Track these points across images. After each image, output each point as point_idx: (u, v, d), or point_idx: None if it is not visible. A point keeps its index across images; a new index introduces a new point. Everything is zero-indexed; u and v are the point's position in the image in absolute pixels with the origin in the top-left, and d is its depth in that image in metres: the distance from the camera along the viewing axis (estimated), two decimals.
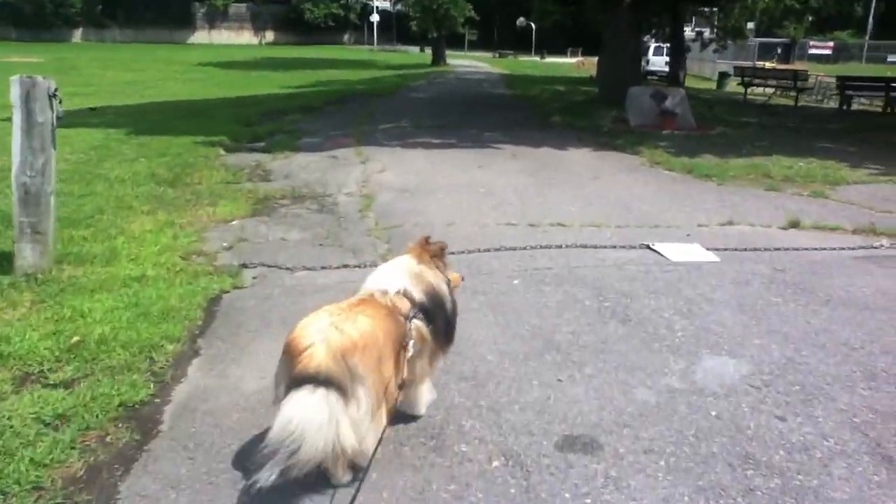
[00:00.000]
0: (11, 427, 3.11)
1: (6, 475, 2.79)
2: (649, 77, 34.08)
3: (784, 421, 3.33)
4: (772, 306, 4.79)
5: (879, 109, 20.40)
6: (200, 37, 76.80)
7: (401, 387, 2.78)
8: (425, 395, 3.22)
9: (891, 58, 56.13)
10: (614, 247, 6.26)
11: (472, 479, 2.86)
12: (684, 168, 10.51)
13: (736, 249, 6.29)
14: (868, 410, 3.44)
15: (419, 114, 17.66)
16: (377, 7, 71.55)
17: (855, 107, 21.05)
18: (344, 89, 25.10)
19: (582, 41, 58.29)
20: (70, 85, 24.33)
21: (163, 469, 2.92)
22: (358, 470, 2.70)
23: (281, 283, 5.23)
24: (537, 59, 60.96)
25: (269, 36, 79.66)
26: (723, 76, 31.45)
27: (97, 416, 3.23)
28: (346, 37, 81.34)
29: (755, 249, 6.32)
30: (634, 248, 6.27)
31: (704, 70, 39.41)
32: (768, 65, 36.16)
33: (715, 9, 34.19)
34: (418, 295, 2.94)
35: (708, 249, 6.26)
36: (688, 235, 6.82)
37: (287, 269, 5.59)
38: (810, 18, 55.84)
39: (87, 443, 3.06)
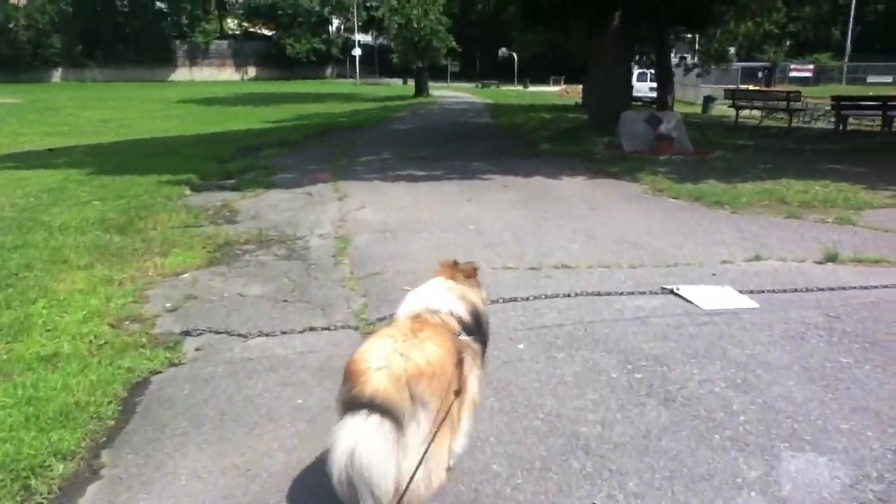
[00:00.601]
0: None
1: None
2: (634, 103, 33.53)
3: None
4: (844, 370, 3.83)
5: (875, 128, 19.79)
6: (181, 74, 76.25)
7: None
8: (468, 423, 2.85)
9: (871, 78, 56.35)
10: (632, 293, 5.30)
11: None
12: (691, 195, 9.63)
13: (773, 291, 5.34)
14: None
15: (402, 145, 16.79)
16: (359, 41, 71.36)
17: (849, 127, 20.39)
18: (325, 122, 24.24)
19: (564, 69, 58.09)
20: (45, 125, 23.46)
21: None
22: None
23: (229, 357, 4.21)
24: (520, 87, 60.58)
25: (252, 72, 79.30)
26: (708, 100, 30.94)
27: None
28: (328, 71, 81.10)
29: (795, 290, 5.37)
30: (656, 293, 5.31)
31: (688, 95, 38.99)
32: (751, 87, 35.69)
33: (696, 35, 33.99)
34: (465, 315, 2.84)
35: (741, 293, 5.31)
36: (713, 275, 5.88)
37: (239, 335, 4.58)
38: (788, 43, 56.24)
39: None
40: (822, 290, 5.39)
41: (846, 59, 61.06)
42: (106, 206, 9.10)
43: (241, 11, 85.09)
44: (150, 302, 5.33)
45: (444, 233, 7.55)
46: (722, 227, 7.79)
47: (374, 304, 5.18)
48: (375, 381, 2.27)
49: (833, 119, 23.10)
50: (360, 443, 2.17)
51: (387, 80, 68.52)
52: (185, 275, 6.10)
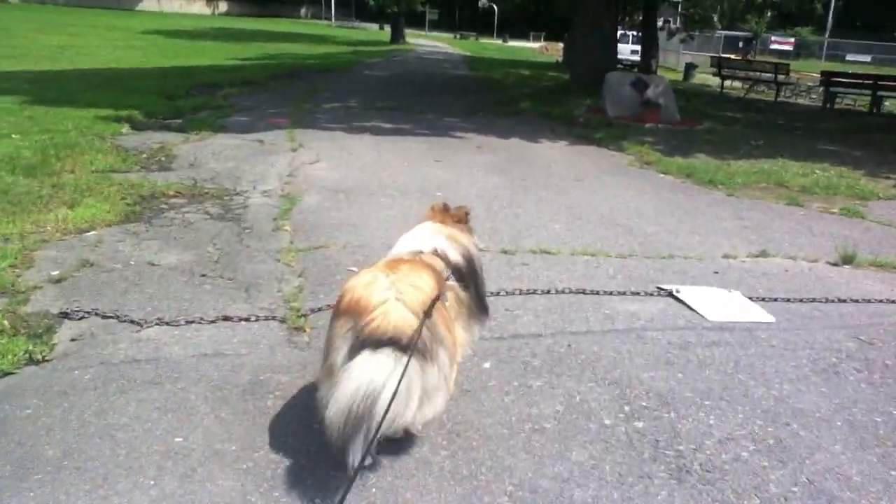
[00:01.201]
0: None
1: None
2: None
3: None
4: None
5: (862, 108, 19.13)
6: (149, 4, 72.11)
7: None
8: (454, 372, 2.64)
9: (850, 56, 55.90)
10: (624, 293, 4.41)
11: None
12: (681, 171, 8.75)
13: (789, 300, 4.51)
14: None
15: (372, 93, 15.59)
16: None
17: (836, 105, 19.66)
18: (294, 63, 22.77)
19: (545, 25, 56.59)
20: None
21: None
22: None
23: (108, 355, 3.23)
24: (499, 42, 58.87)
25: (223, 6, 75.59)
26: (690, 67, 29.99)
27: None
28: (303, 10, 78.02)
29: (813, 300, 4.55)
30: (652, 295, 4.43)
31: (669, 60, 38.00)
32: (734, 57, 34.76)
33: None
34: (453, 256, 2.71)
35: (752, 299, 4.47)
36: (716, 273, 5.03)
37: (132, 322, 3.59)
38: (769, 13, 55.43)
39: None
40: (844, 301, 4.56)
41: (827, 34, 60.46)
42: (25, 142, 7.93)
43: None
44: (34, 267, 4.30)
45: (406, 199, 6.57)
46: (720, 211, 6.93)
47: (310, 287, 4.22)
48: (397, 316, 2.14)
49: (815, 96, 22.52)
50: (387, 386, 2.05)
51: (363, 25, 66.18)
52: (91, 233, 5.06)
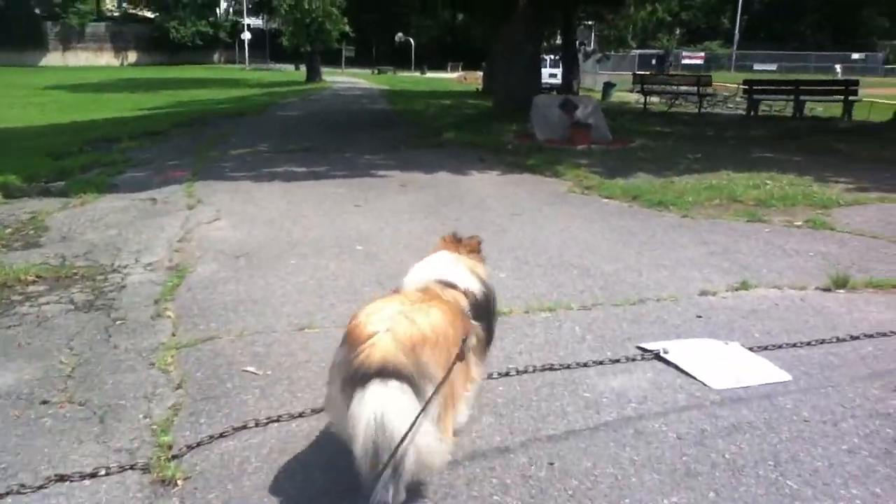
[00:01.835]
0: None
1: None
2: None
3: None
4: None
5: (784, 114, 19.19)
6: (54, 59, 69.01)
7: None
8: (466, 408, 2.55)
9: (757, 65, 58.04)
10: (601, 362, 3.49)
11: None
12: (626, 194, 8.02)
13: (795, 346, 3.69)
14: None
15: (284, 135, 14.53)
16: (248, 25, 67.29)
17: (761, 112, 19.66)
18: (203, 109, 21.46)
19: (462, 55, 56.65)
20: None
21: None
22: None
23: None
24: (418, 74, 58.56)
25: (132, 57, 72.96)
26: (608, 86, 30.09)
27: None
28: (216, 56, 76.07)
29: (822, 342, 3.74)
30: (635, 359, 3.53)
31: (586, 81, 38.28)
32: (649, 74, 35.25)
33: (594, 22, 33.28)
34: (475, 291, 2.65)
35: (753, 350, 3.62)
36: (699, 317, 4.19)
37: None
38: (679, 31, 57.18)
39: None
40: (857, 338, 3.78)
41: (735, 47, 62.66)
42: None
43: None
44: None
45: (320, 258, 5.55)
46: (679, 237, 6.16)
47: (190, 405, 3.14)
48: (383, 347, 2.13)
49: (732, 105, 22.67)
50: (386, 408, 2.03)
51: (278, 66, 64.98)
52: None
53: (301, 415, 3.05)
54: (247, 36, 65.30)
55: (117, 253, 5.76)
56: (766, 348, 3.66)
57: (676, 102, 22.43)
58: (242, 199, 7.88)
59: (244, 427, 2.92)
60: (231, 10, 79.60)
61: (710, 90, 21.08)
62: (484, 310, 2.66)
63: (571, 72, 25.83)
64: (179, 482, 2.53)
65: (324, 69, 46.79)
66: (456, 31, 46.18)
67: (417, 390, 2.13)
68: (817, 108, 19.69)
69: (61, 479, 2.55)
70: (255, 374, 3.47)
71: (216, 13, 77.41)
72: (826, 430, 2.81)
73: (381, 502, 2.03)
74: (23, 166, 10.07)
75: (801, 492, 2.40)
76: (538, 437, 2.78)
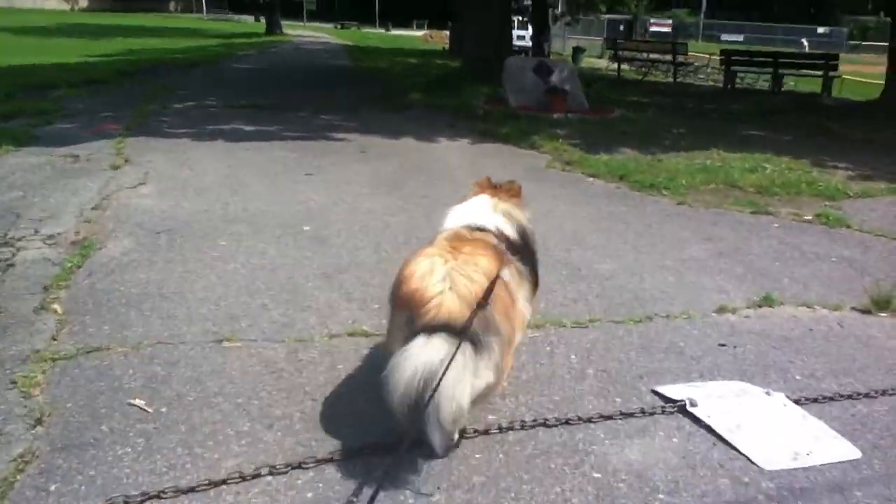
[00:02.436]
0: None
1: None
2: None
3: None
4: None
5: (761, 87, 18.51)
6: None
7: None
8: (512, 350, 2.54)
9: (724, 36, 57.54)
10: (610, 417, 2.63)
11: None
12: (612, 173, 7.17)
13: (851, 397, 2.89)
14: None
15: (236, 89, 13.30)
16: None
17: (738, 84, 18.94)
18: (154, 58, 19.81)
19: (428, 13, 54.91)
20: None
21: None
22: None
23: None
24: (382, 31, 56.60)
25: (83, 2, 69.10)
26: (577, 51, 29.12)
27: None
28: (172, 4, 72.60)
29: (885, 393, 2.95)
30: (653, 414, 2.68)
31: (555, 45, 37.24)
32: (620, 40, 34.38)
33: None
34: (511, 233, 2.68)
35: (799, 403, 2.81)
36: (722, 346, 3.36)
37: None
38: None
39: None
40: None
41: (702, 15, 62.03)
42: None
43: None
44: None
45: (257, 240, 4.57)
46: (679, 230, 5.34)
47: (44, 459, 2.19)
48: (449, 305, 2.16)
49: (703, 76, 21.94)
50: (438, 365, 2.04)
51: (238, 17, 62.25)
52: None
53: (193, 489, 2.13)
54: None
55: (15, 220, 4.72)
56: (815, 401, 2.85)
57: (650, 71, 21.62)
58: (177, 161, 6.81)
59: None
60: None
61: (685, 59, 20.24)
62: (523, 252, 2.68)
63: (542, 33, 24.76)
64: None
65: (284, 23, 44.76)
66: None
67: (480, 347, 2.17)
68: (790, 81, 19.04)
69: None
70: (145, 410, 2.55)
71: None
72: None
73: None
74: None
75: None
76: None
